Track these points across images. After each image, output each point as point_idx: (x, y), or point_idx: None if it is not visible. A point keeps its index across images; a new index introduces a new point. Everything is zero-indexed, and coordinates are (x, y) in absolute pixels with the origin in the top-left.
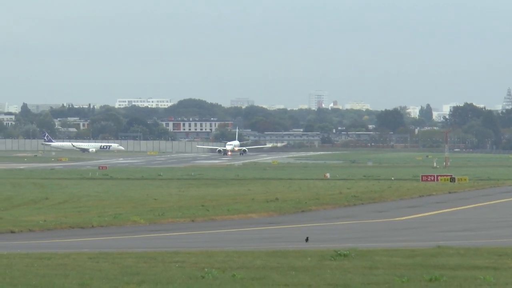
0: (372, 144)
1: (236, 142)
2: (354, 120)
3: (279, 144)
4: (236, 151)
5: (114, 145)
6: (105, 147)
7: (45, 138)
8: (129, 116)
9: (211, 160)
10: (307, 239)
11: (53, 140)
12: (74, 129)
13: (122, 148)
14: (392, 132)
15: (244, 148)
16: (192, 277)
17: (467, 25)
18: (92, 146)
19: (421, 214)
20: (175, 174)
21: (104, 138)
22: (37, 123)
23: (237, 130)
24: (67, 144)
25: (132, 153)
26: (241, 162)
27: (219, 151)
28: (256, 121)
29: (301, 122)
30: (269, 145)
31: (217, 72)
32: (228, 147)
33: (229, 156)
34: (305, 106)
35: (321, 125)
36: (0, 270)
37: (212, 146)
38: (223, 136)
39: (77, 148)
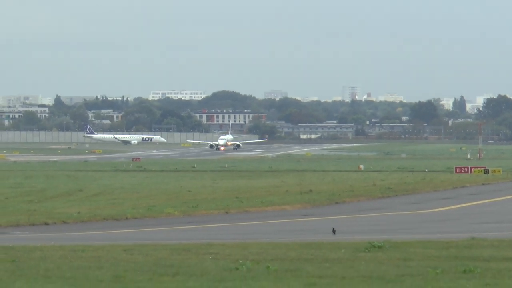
0: (406, 136)
1: (230, 137)
2: (388, 112)
3: (312, 136)
4: (229, 145)
5: (156, 137)
6: (147, 139)
7: (87, 130)
8: (163, 108)
9: (245, 152)
10: (334, 231)
11: (95, 132)
12: (108, 121)
13: (164, 140)
14: (425, 124)
15: (237, 142)
16: (226, 269)
17: (497, 16)
18: (134, 138)
19: (455, 206)
20: (209, 166)
21: (137, 130)
22: (71, 115)
23: (230, 123)
24: (109, 136)
25: (166, 145)
26: (274, 154)
27: (211, 145)
28: (289, 113)
29: (335, 114)
30: (261, 140)
31: (250, 64)
32: (221, 142)
33: (222, 151)
34: (338, 98)
35: (354, 117)
36: (34, 262)
37: (202, 140)
38: (257, 128)
39: (119, 140)
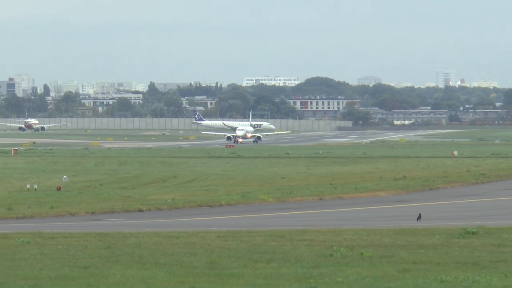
0: (500, 122)
1: (249, 128)
2: (481, 98)
3: (406, 122)
4: (248, 137)
5: (265, 124)
6: (256, 125)
7: (196, 116)
8: (257, 95)
9: (339, 138)
10: (420, 216)
11: (203, 119)
12: (201, 108)
13: (273, 127)
14: None
15: (258, 134)
16: (320, 255)
17: None
18: (243, 124)
19: None
20: (302, 152)
21: (231, 117)
22: (164, 101)
23: (250, 112)
24: (217, 122)
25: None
26: (368, 140)
27: (229, 137)
28: (383, 99)
29: (429, 100)
30: (284, 131)
31: (344, 50)
32: (239, 133)
33: (241, 143)
34: (432, 84)
35: (448, 103)
36: (129, 248)
37: (217, 132)
38: (351, 115)
39: (228, 126)
